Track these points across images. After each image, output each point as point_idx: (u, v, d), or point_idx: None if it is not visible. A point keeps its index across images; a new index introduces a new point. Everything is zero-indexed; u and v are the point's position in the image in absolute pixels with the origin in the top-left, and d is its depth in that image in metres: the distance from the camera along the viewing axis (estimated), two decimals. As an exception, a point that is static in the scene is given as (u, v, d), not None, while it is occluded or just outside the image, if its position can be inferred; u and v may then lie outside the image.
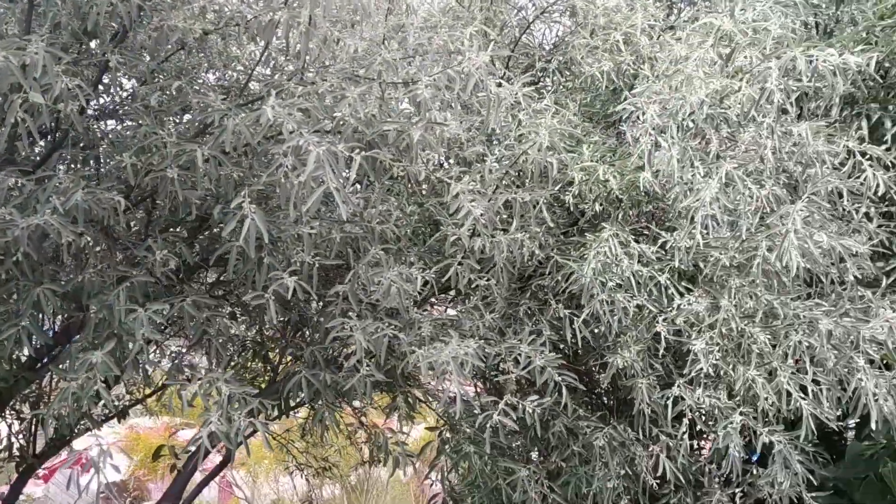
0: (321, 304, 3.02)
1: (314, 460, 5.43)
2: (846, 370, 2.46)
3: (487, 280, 2.78)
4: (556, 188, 3.13)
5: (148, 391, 4.62)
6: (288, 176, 2.14)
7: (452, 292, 3.77)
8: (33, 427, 3.79)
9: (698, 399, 2.54)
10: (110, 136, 3.11)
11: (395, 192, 3.35)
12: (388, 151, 2.34)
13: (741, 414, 2.43)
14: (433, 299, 3.67)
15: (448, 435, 3.24)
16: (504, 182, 2.85)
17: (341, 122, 2.25)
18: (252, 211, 2.19)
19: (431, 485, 3.27)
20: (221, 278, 3.21)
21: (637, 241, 2.84)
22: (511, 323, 3.20)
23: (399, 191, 3.35)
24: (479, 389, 3.71)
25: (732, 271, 2.63)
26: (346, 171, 2.08)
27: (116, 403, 4.39)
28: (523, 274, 3.41)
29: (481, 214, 2.43)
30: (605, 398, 3.50)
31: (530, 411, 2.56)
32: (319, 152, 1.97)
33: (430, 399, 3.22)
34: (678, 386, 2.59)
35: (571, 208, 3.15)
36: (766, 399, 2.37)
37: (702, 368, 2.45)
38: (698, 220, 2.44)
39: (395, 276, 2.56)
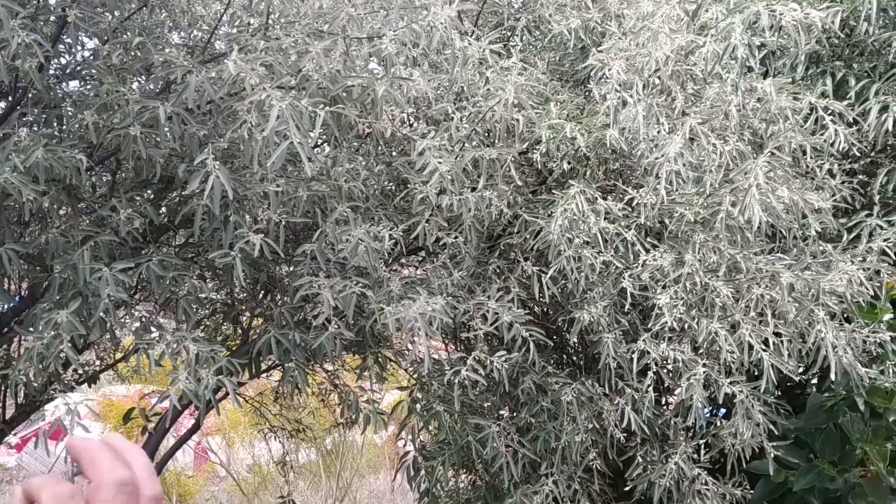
0: (291, 265, 3.02)
1: (288, 423, 5.46)
2: (807, 323, 2.51)
3: (455, 237, 2.79)
4: (524, 146, 3.13)
5: (119, 356, 4.63)
6: (251, 132, 2.12)
7: (423, 253, 3.79)
8: (2, 394, 3.76)
9: (663, 352, 2.57)
10: (73, 96, 3.06)
11: (363, 152, 3.34)
12: (353, 108, 2.32)
13: (704, 366, 2.47)
14: (403, 260, 3.68)
15: (418, 394, 3.27)
16: (472, 141, 2.84)
17: (305, 78, 2.23)
18: (216, 167, 2.17)
19: (404, 445, 3.31)
20: (190, 240, 3.20)
21: (604, 199, 2.86)
22: (480, 282, 3.22)
23: (367, 151, 3.34)
24: (449, 349, 3.73)
25: (697, 227, 2.66)
26: (311, 127, 2.07)
27: (87, 368, 4.38)
28: (492, 233, 3.43)
29: (448, 171, 2.43)
30: (573, 356, 3.54)
31: (499, 367, 2.59)
32: (282, 106, 1.95)
33: (402, 359, 3.24)
34: (643, 340, 2.62)
35: (540, 167, 3.16)
36: (730, 352, 2.41)
37: (666, 322, 2.48)
38: (663, 176, 2.45)
39: (362, 234, 2.56)
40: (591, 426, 3.07)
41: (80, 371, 4.45)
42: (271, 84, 2.11)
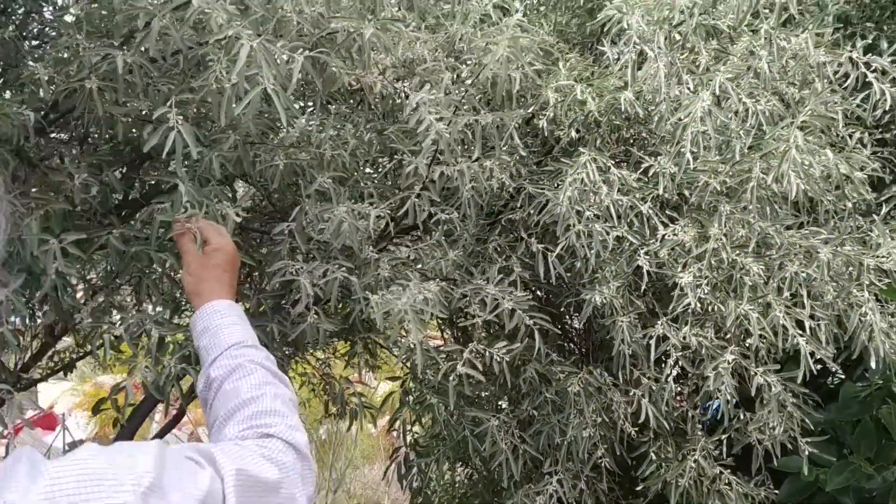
0: (270, 245, 2.73)
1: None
2: (846, 304, 2.23)
3: (450, 214, 2.49)
4: (529, 111, 2.84)
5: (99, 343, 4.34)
6: (220, 82, 1.82)
7: (417, 232, 3.50)
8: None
9: (684, 338, 2.29)
10: (34, 54, 2.76)
11: (352, 120, 3.04)
12: (338, 56, 2.02)
13: (732, 354, 2.19)
14: (396, 239, 3.39)
15: (411, 385, 2.99)
16: (465, 106, 2.54)
17: (282, 22, 1.93)
18: (178, 122, 1.87)
19: (398, 437, 3.02)
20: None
21: (618, 168, 2.57)
22: (479, 261, 2.93)
23: (356, 120, 3.04)
24: (445, 337, 3.45)
25: (722, 198, 2.37)
26: (288, 74, 1.77)
27: (63, 356, 4.12)
28: (493, 209, 3.14)
29: (446, 131, 2.13)
30: (579, 342, 3.26)
31: (498, 359, 2.30)
32: (252, 45, 1.65)
33: (393, 346, 2.95)
34: (662, 324, 2.34)
35: (546, 135, 2.87)
36: (762, 337, 2.12)
37: (689, 304, 2.19)
38: (688, 139, 2.16)
39: (345, 211, 2.27)
40: (599, 420, 2.79)
41: (56, 359, 4.18)
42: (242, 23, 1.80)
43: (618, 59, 2.75)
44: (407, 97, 2.33)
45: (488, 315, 2.40)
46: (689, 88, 2.31)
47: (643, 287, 2.42)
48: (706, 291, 2.23)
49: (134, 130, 2.32)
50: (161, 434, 4.72)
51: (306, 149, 2.30)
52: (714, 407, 3.27)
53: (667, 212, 2.52)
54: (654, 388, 2.42)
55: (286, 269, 2.30)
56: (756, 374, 2.19)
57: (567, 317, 3.13)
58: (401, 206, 2.64)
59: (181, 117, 1.87)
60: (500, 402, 3.20)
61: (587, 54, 3.25)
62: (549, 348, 2.99)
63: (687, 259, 2.33)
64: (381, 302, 2.19)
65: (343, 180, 2.81)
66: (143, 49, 2.06)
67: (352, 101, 3.39)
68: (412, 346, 2.19)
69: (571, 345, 3.41)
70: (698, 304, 2.22)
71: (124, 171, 2.65)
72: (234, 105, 1.72)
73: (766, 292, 2.20)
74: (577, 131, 2.89)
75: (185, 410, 4.70)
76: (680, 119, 2.25)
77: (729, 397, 2.14)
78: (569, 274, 2.69)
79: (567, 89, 2.79)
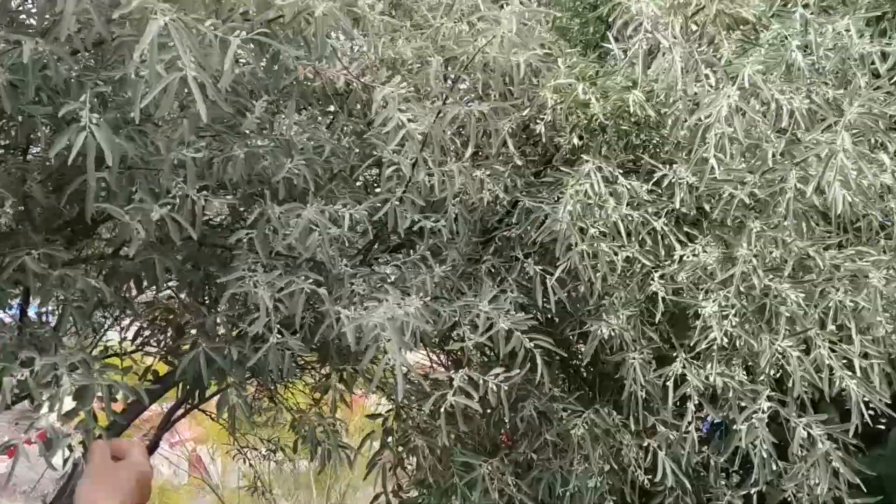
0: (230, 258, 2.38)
1: (262, 443, 4.83)
2: (901, 338, 1.86)
3: (435, 221, 2.14)
4: (524, 114, 2.49)
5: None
6: (137, 67, 1.48)
7: (403, 251, 3.14)
8: None
9: (707, 378, 1.92)
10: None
11: (331, 126, 2.69)
12: (293, 44, 1.67)
13: (769, 398, 1.82)
14: (379, 258, 3.04)
15: (392, 424, 2.62)
16: (455, 97, 2.19)
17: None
18: (93, 121, 1.52)
19: (378, 481, 2.65)
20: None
21: (626, 178, 2.22)
22: (472, 283, 2.57)
23: (334, 126, 2.68)
24: (434, 365, 3.08)
25: (750, 212, 2.00)
26: (220, 61, 1.42)
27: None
28: (486, 225, 2.78)
29: (421, 131, 1.78)
30: (584, 375, 2.89)
31: (494, 388, 1.93)
32: (164, 21, 1.30)
33: (363, 376, 2.57)
34: (681, 361, 1.97)
35: (545, 141, 2.52)
36: (803, 378, 1.75)
37: (714, 339, 1.83)
38: (711, 142, 1.80)
39: (314, 213, 1.92)
40: (607, 467, 2.42)
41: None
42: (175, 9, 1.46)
43: (625, 56, 2.40)
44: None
45: (480, 336, 2.04)
46: (710, 84, 1.95)
47: (658, 317, 2.06)
48: (734, 323, 1.86)
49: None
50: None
51: (268, 135, 1.95)
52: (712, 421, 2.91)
53: (684, 229, 2.16)
54: (672, 436, 2.05)
55: (240, 282, 1.95)
56: (798, 424, 1.82)
57: (575, 346, 2.77)
58: (381, 212, 2.28)
59: (95, 115, 1.53)
60: (495, 442, 2.83)
61: (590, 54, 2.91)
62: (550, 381, 2.63)
63: (710, 284, 1.96)
64: (352, 316, 1.83)
65: (316, 189, 2.47)
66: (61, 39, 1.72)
67: (332, 107, 3.06)
68: (390, 366, 1.83)
69: (576, 375, 3.04)
70: (724, 338, 1.85)
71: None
72: (155, 97, 1.37)
73: (806, 325, 1.83)
74: (580, 137, 2.54)
75: (160, 441, 4.34)
76: (700, 120, 1.89)
77: (766, 455, 1.77)
78: (570, 299, 2.33)
79: (567, 89, 2.44)
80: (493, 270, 2.67)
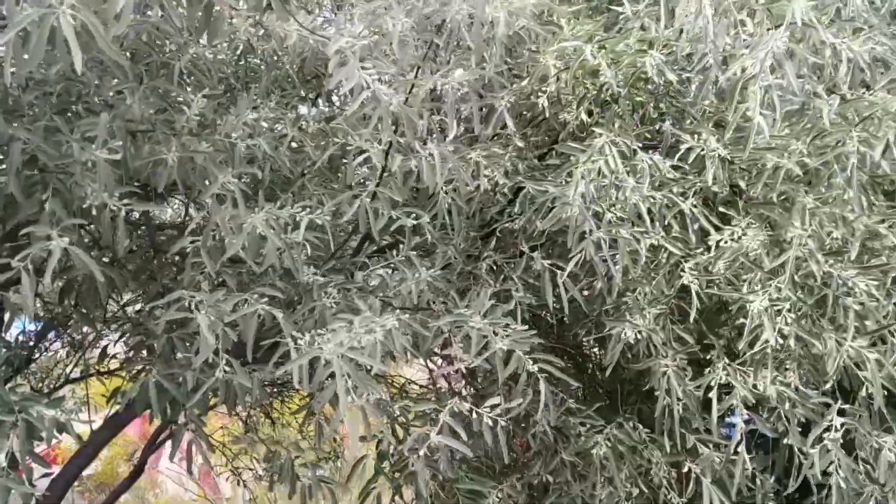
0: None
1: (257, 463, 4.48)
2: None
3: (416, 218, 1.79)
4: (523, 84, 2.14)
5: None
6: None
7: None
8: None
9: (757, 387, 1.57)
10: None
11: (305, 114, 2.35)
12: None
13: (840, 413, 1.46)
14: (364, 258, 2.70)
15: (388, 447, 2.27)
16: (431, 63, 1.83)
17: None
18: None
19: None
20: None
21: (645, 152, 1.87)
22: (472, 284, 2.22)
23: (302, 112, 2.33)
24: (431, 374, 2.72)
25: (799, 186, 1.65)
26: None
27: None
28: (485, 217, 2.43)
29: (393, 104, 1.42)
30: (601, 380, 2.53)
31: (489, 423, 1.58)
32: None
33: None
34: (723, 367, 1.61)
35: (547, 116, 2.16)
36: (886, 387, 1.40)
37: (767, 341, 1.47)
38: (755, 96, 1.44)
39: (261, 220, 1.56)
40: (635, 490, 2.07)
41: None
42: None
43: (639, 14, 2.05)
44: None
45: (474, 358, 1.68)
46: (747, 33, 1.60)
47: (692, 314, 1.71)
48: (789, 321, 1.51)
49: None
50: (122, 490, 4.09)
51: (207, 137, 1.61)
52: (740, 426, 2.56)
53: (719, 209, 1.81)
54: (717, 459, 1.69)
55: (178, 303, 1.61)
56: (882, 445, 1.46)
57: (588, 349, 2.42)
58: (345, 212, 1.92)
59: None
60: (505, 461, 2.48)
61: (596, 18, 2.55)
62: (565, 392, 2.28)
63: (755, 274, 1.61)
64: (303, 349, 1.48)
65: (286, 184, 2.12)
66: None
67: (305, 93, 2.71)
68: (341, 417, 1.48)
69: (592, 380, 2.68)
70: (778, 339, 1.50)
71: None
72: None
73: (881, 320, 1.48)
74: (589, 112, 2.19)
75: (145, 464, 4.02)
76: (736, 73, 1.54)
77: (843, 483, 1.42)
78: (585, 297, 1.98)
79: (572, 54, 2.09)
80: (494, 268, 2.33)
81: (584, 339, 2.19)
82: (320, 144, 2.14)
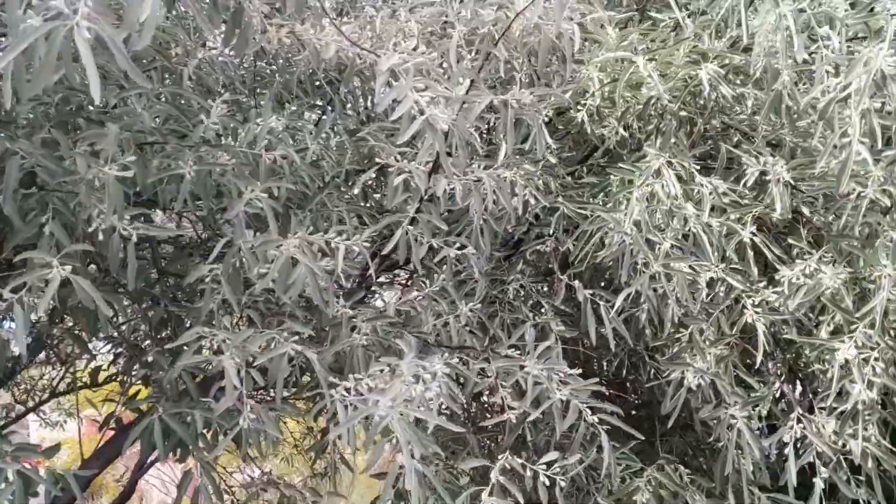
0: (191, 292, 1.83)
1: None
2: None
3: (461, 248, 1.61)
4: (565, 96, 1.96)
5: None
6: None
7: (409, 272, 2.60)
8: None
9: (840, 444, 1.40)
10: None
11: (322, 125, 2.15)
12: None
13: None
14: (382, 278, 2.51)
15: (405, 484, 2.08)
16: (483, 78, 1.65)
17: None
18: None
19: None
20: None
21: (706, 176, 1.69)
22: (497, 311, 2.04)
23: (324, 122, 2.14)
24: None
25: (884, 218, 1.48)
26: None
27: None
28: (511, 236, 2.26)
29: (449, 122, 1.24)
30: (640, 412, 2.36)
31: (546, 482, 1.40)
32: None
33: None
34: (798, 420, 1.44)
35: (588, 131, 1.98)
36: None
37: (858, 397, 1.30)
38: (854, 120, 1.27)
39: (296, 245, 1.38)
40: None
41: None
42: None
43: (689, 22, 1.88)
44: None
45: (530, 408, 1.49)
46: (828, 48, 1.43)
47: (759, 357, 1.53)
48: (877, 370, 1.34)
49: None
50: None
51: (229, 147, 1.42)
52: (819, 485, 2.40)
53: (787, 240, 1.64)
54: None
55: (200, 343, 1.42)
56: None
57: (630, 385, 2.25)
58: (388, 237, 1.75)
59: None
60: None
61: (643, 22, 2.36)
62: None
63: (833, 315, 1.44)
64: (354, 405, 1.29)
65: (303, 200, 1.93)
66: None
67: (321, 100, 2.52)
68: (400, 471, 1.30)
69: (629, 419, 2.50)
70: (867, 393, 1.33)
71: None
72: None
73: None
74: (626, 127, 2.01)
75: (135, 487, 3.83)
76: (821, 95, 1.37)
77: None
78: (633, 330, 1.80)
79: (615, 66, 1.91)
80: (522, 293, 2.16)
81: (628, 375, 2.02)
82: (343, 159, 1.96)
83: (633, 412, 2.30)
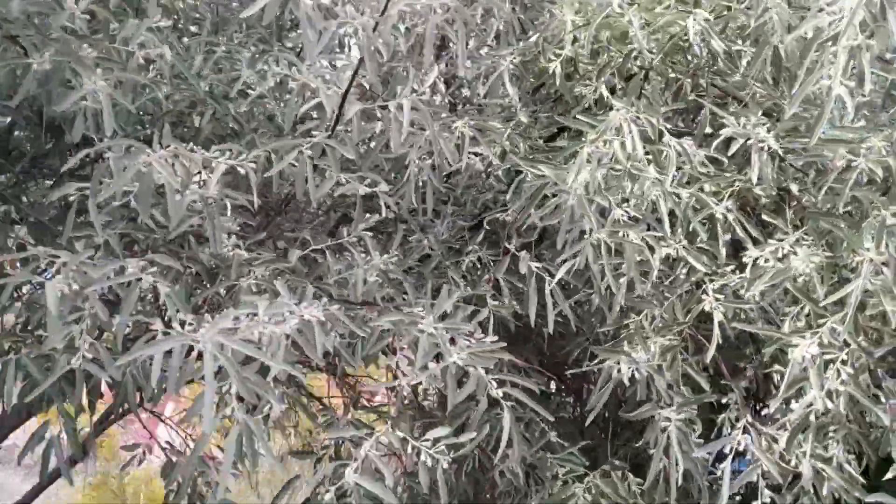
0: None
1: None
2: None
3: (372, 185, 1.39)
4: (532, 40, 1.72)
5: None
6: None
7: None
8: None
9: (790, 462, 1.14)
10: None
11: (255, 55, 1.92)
12: None
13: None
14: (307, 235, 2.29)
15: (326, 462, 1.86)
16: None
17: None
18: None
19: None
20: None
21: (676, 136, 1.44)
22: (449, 283, 1.81)
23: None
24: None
25: (875, 194, 1.21)
26: None
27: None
28: (476, 204, 2.02)
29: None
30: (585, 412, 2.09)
31: (428, 463, 1.17)
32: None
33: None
34: (745, 428, 1.19)
35: (558, 85, 1.74)
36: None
37: (811, 405, 1.04)
38: (840, 59, 1.01)
39: (160, 158, 1.16)
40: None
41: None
42: None
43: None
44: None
45: (419, 372, 1.26)
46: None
47: (710, 351, 1.28)
48: (843, 377, 1.08)
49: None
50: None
51: (97, 43, 1.19)
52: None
53: (761, 218, 1.38)
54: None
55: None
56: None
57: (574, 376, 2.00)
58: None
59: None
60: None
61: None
62: (545, 422, 1.86)
63: (804, 307, 1.18)
64: (174, 332, 1.06)
65: (234, 137, 1.71)
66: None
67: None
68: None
69: (577, 410, 2.25)
70: (827, 401, 1.07)
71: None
72: None
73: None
74: (612, 89, 1.76)
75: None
76: (807, 34, 1.11)
77: None
78: (577, 314, 1.56)
79: (596, 11, 1.66)
80: (478, 265, 1.92)
81: (569, 363, 1.77)
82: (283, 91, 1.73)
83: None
